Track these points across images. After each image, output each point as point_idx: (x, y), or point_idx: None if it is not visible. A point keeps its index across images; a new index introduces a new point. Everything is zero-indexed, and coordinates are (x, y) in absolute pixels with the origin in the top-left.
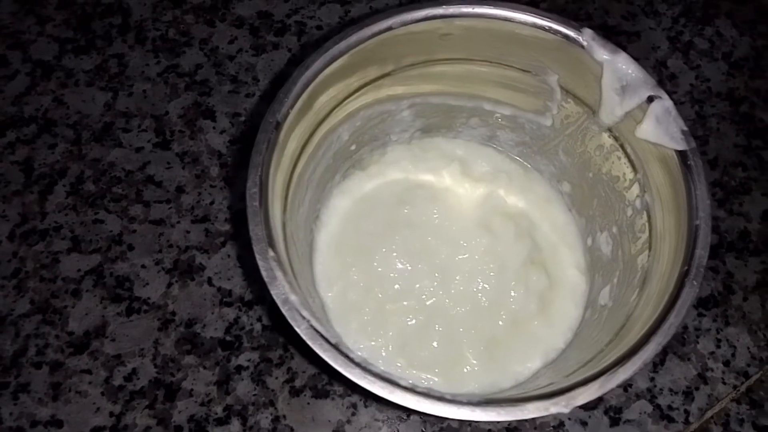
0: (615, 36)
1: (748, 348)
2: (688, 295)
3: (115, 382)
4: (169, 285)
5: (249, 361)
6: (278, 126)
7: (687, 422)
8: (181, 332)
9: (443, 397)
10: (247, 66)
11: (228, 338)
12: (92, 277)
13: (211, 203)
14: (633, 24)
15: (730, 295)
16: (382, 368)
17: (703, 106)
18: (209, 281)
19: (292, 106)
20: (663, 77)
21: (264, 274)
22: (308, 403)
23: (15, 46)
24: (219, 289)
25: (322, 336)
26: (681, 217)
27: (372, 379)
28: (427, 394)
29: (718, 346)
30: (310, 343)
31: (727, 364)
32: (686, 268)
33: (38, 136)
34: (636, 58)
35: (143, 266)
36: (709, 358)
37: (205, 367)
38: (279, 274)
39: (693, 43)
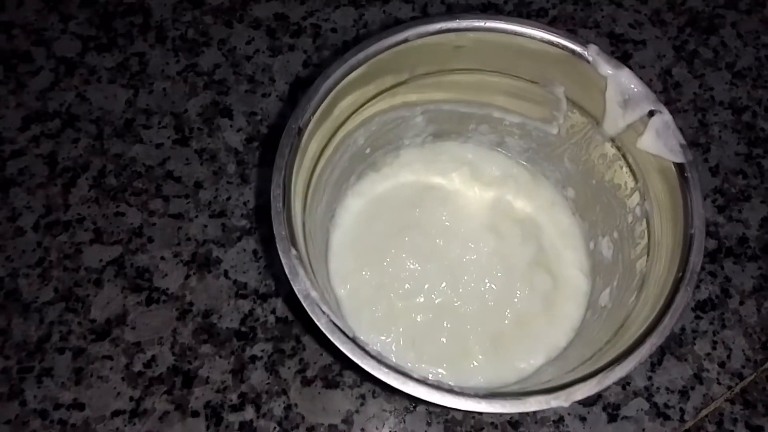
0: (622, 44)
1: (743, 350)
2: (682, 299)
3: (134, 369)
4: (187, 277)
5: (263, 351)
6: (300, 131)
7: (682, 420)
8: (199, 322)
9: (452, 389)
10: (263, 66)
11: (243, 329)
12: (114, 268)
13: (228, 199)
14: (640, 32)
15: (727, 299)
16: (394, 363)
17: (705, 115)
18: (225, 274)
19: (313, 113)
20: (668, 85)
21: (287, 270)
22: (319, 393)
23: (39, 43)
24: (235, 281)
25: (340, 330)
26: (677, 225)
27: (386, 371)
28: (437, 386)
29: (714, 348)
30: (330, 336)
31: (722, 365)
32: (681, 274)
33: (62, 131)
34: (642, 66)
35: (162, 258)
36: (705, 359)
37: (220, 356)
38: (301, 271)
39: (698, 52)
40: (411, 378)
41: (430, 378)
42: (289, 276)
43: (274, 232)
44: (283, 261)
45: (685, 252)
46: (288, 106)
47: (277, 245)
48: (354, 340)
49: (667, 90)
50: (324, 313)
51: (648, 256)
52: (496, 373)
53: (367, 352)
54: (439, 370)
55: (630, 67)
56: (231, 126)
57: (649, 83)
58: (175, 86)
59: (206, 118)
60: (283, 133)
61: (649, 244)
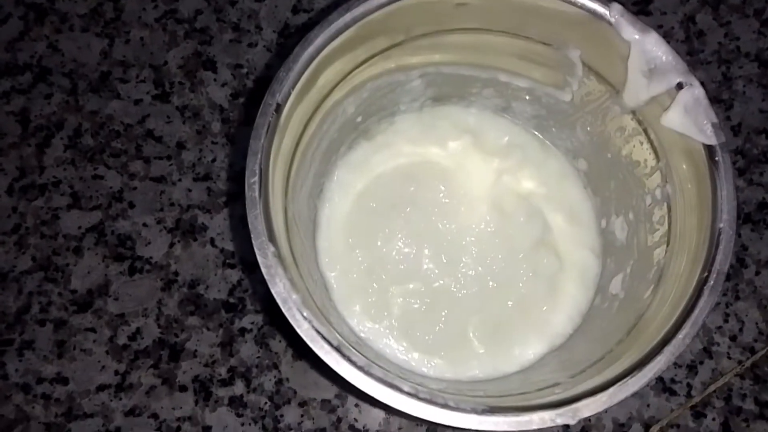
0: None
1: (756, 323)
2: (706, 304)
3: (119, 341)
4: (172, 245)
5: (252, 323)
6: (279, 108)
7: (689, 396)
8: (185, 293)
9: (447, 404)
10: (249, 12)
11: (231, 300)
12: (93, 235)
13: (213, 161)
14: None
15: (743, 269)
16: (388, 352)
17: (730, 67)
18: (212, 242)
19: (293, 86)
20: (690, 34)
21: (264, 271)
22: (311, 367)
23: None
24: (222, 250)
25: (323, 337)
26: (704, 216)
27: (374, 383)
28: (430, 401)
29: (726, 321)
30: (311, 345)
31: (733, 338)
32: (705, 274)
33: (33, 86)
34: (663, 12)
35: (145, 225)
36: (716, 333)
37: (208, 329)
38: (280, 271)
39: None
40: (402, 391)
41: (422, 390)
42: (266, 278)
43: (249, 226)
44: (260, 261)
45: (711, 249)
46: (276, 57)
47: (253, 242)
48: (339, 349)
49: (689, 39)
50: (305, 318)
51: (667, 246)
52: (496, 363)
53: (354, 362)
54: (436, 360)
55: (651, 13)
56: (215, 80)
57: (670, 31)
58: (153, 35)
59: (188, 71)
60: (259, 111)
61: (669, 232)
